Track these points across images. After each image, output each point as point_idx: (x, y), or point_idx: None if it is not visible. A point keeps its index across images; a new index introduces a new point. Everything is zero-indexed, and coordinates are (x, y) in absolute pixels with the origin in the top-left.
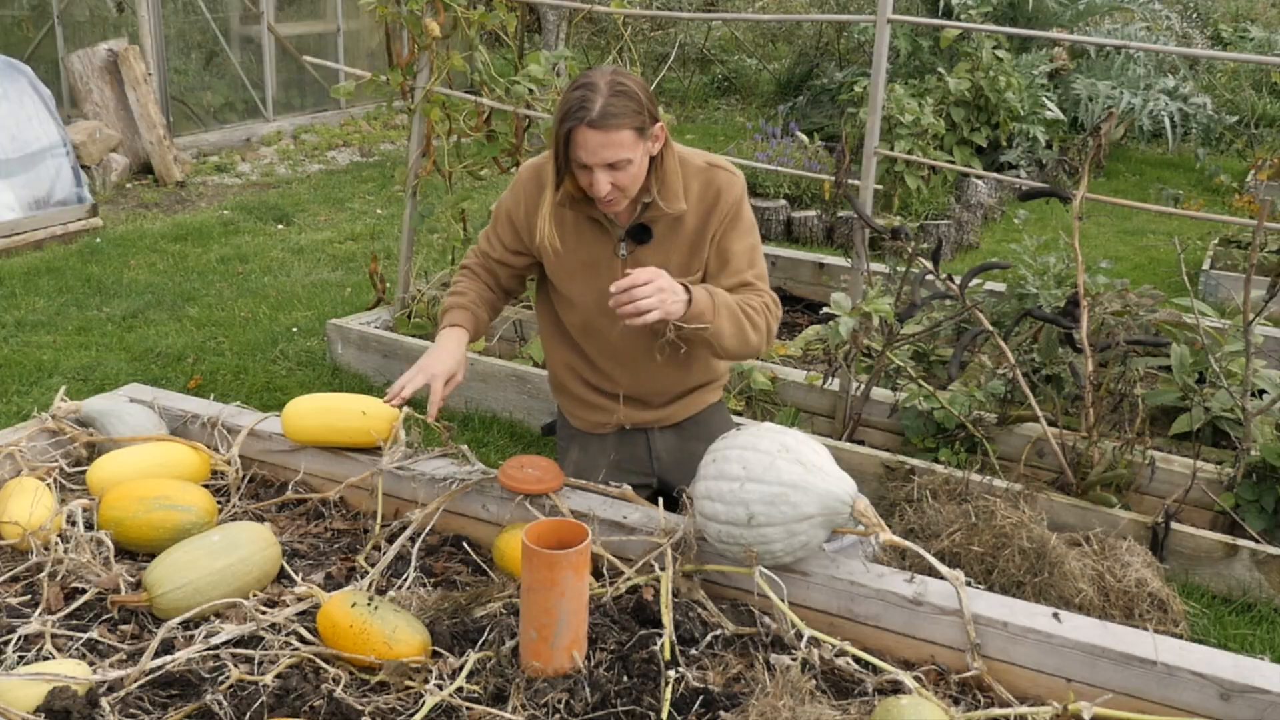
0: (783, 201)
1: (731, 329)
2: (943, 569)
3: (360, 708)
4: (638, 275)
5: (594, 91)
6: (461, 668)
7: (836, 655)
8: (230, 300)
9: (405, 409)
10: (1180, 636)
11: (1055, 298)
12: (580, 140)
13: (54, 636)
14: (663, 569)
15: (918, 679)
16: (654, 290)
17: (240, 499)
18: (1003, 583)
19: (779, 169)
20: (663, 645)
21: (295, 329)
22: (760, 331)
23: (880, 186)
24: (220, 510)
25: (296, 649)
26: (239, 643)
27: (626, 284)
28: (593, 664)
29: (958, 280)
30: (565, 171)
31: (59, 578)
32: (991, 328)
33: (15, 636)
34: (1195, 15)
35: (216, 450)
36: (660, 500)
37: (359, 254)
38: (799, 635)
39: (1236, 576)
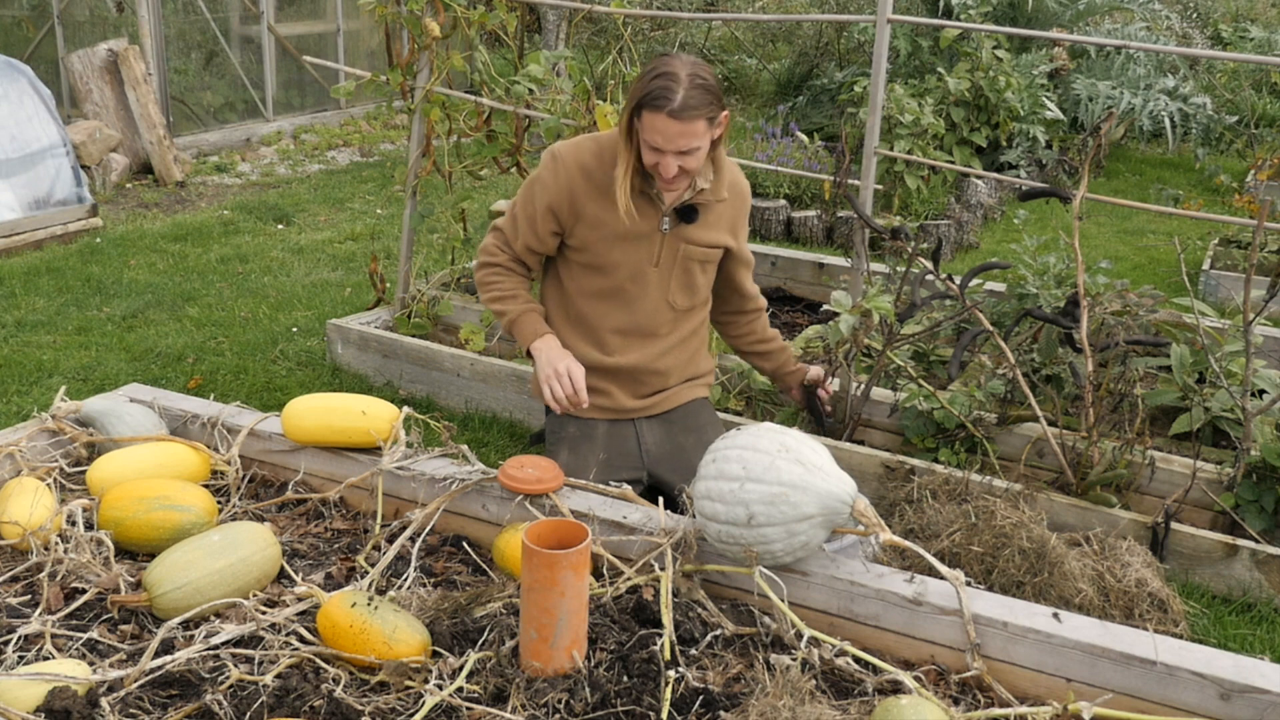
0: (783, 201)
1: None
2: (943, 569)
3: (360, 708)
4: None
5: (676, 82)
6: (461, 668)
7: (836, 655)
8: (230, 300)
9: (405, 409)
10: (1180, 636)
11: (1055, 298)
12: (658, 126)
13: (54, 636)
14: (663, 569)
15: (918, 679)
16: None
17: (240, 499)
18: (1003, 583)
19: (779, 169)
20: (663, 645)
21: (295, 329)
22: None
23: (880, 186)
24: (220, 510)
25: (296, 649)
26: (239, 643)
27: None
28: (593, 664)
29: (958, 280)
30: (635, 139)
31: (59, 578)
32: (991, 328)
33: (15, 636)
34: (1195, 15)
35: (216, 450)
36: (660, 500)
37: (359, 254)
38: (799, 635)
39: (1236, 576)
